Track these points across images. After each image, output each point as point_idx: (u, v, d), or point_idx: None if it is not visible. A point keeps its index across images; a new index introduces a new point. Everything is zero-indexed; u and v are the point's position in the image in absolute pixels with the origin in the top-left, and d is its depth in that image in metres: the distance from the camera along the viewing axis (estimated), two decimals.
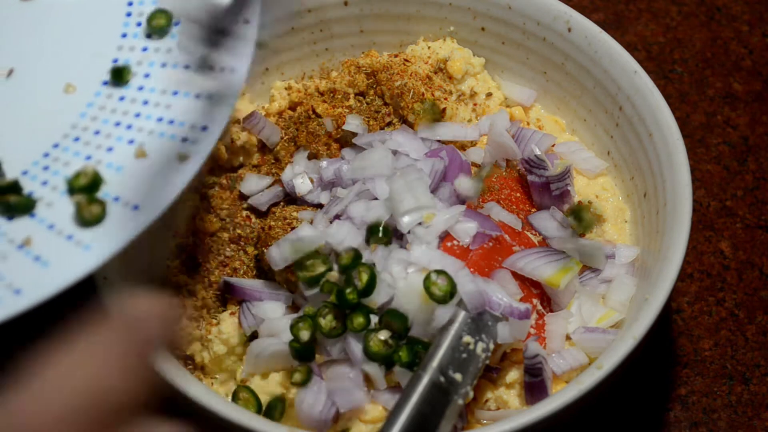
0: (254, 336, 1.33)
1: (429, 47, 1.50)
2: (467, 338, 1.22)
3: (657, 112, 1.36)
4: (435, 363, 1.20)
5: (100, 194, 1.16)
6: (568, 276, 1.29)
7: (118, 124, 1.22)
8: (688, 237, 1.26)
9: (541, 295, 1.31)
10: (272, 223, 1.35)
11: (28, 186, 1.18)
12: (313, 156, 1.43)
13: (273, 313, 1.32)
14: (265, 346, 1.29)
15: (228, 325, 1.32)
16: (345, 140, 1.43)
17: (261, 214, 1.42)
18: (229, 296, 1.36)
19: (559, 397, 1.16)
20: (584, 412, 1.23)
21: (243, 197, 1.43)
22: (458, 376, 1.21)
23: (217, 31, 1.24)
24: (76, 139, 1.22)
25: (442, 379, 1.20)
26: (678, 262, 1.24)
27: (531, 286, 1.30)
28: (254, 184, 1.42)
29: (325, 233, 1.29)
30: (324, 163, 1.39)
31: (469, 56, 1.49)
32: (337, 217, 1.32)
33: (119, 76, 1.25)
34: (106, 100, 1.24)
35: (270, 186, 1.42)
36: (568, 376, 1.28)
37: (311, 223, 1.32)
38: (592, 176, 1.44)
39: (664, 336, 1.48)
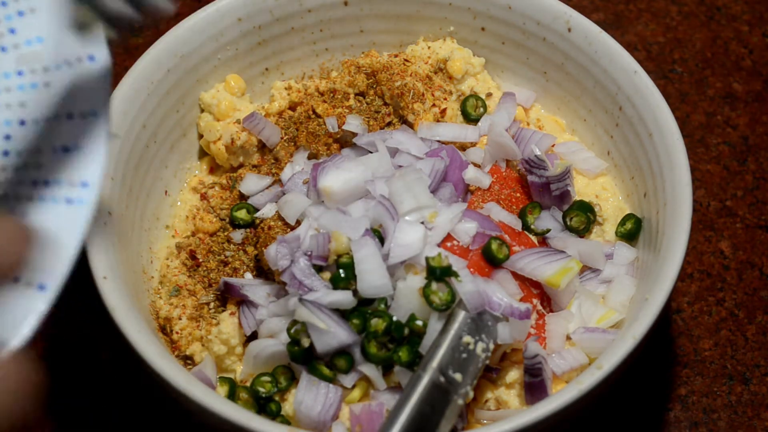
0: (254, 336, 1.33)
1: (429, 47, 1.50)
2: (467, 338, 1.22)
3: (657, 112, 1.36)
4: (435, 363, 1.20)
5: None
6: (568, 276, 1.29)
7: None
8: (688, 237, 1.26)
9: (541, 295, 1.31)
10: (272, 223, 1.35)
11: None
12: (313, 156, 1.43)
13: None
14: (263, 347, 1.29)
15: (228, 325, 1.32)
16: (345, 140, 1.43)
17: None
18: (229, 296, 1.36)
19: (559, 397, 1.16)
20: (584, 412, 1.23)
21: (243, 197, 1.43)
22: (458, 376, 1.21)
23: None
24: None
25: (442, 379, 1.20)
26: (678, 262, 1.24)
27: (531, 286, 1.30)
28: (254, 184, 1.42)
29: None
30: None
31: (469, 56, 1.49)
32: None
33: None
34: None
35: (270, 186, 1.42)
36: (568, 376, 1.28)
37: None
38: (592, 176, 1.44)
39: (664, 336, 1.48)
